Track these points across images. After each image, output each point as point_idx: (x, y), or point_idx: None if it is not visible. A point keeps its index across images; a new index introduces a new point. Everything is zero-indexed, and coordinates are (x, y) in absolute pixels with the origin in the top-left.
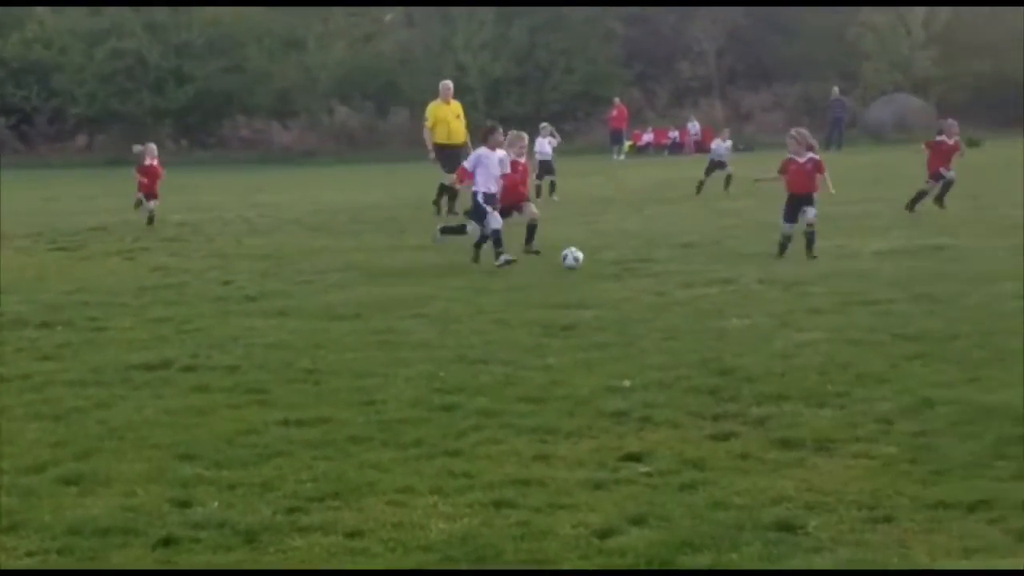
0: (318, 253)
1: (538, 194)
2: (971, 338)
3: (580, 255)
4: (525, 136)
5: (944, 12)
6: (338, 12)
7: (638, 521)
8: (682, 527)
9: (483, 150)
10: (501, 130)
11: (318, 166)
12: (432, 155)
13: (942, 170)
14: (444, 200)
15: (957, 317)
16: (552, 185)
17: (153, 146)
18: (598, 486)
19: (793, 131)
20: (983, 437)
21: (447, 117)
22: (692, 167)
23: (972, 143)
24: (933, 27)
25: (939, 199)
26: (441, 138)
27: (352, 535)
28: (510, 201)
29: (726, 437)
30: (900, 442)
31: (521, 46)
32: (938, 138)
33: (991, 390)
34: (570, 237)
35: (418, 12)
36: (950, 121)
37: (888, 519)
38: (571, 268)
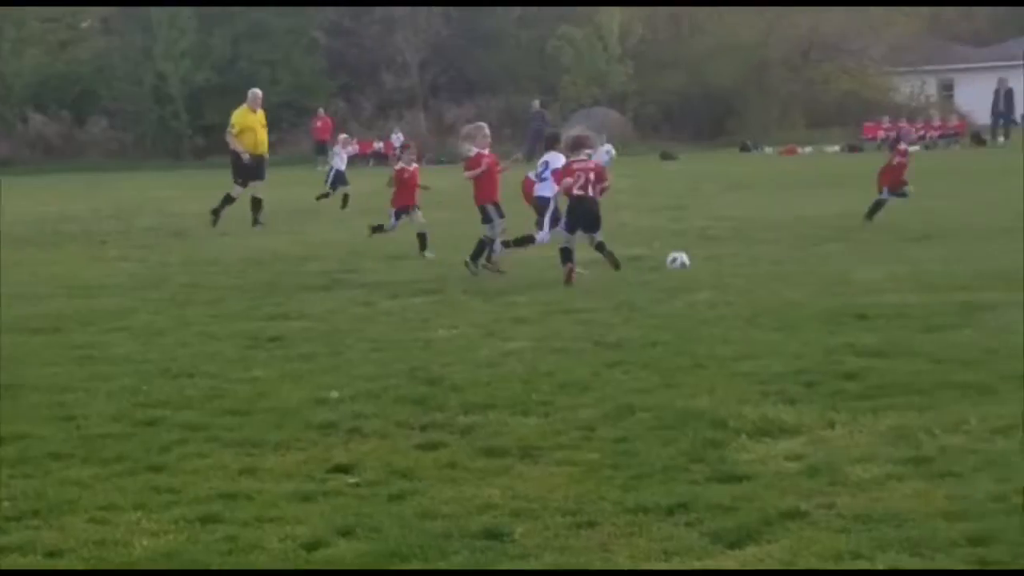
0: (16, 265)
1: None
2: (669, 345)
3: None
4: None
5: (639, 27)
6: (32, 18)
7: (346, 532)
8: (391, 537)
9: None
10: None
11: (14, 175)
12: (247, 155)
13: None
14: (225, 211)
15: (656, 325)
16: (345, 198)
17: None
18: (306, 498)
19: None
20: (680, 442)
21: (254, 125)
22: None
23: (667, 156)
24: (628, 42)
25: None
26: (248, 146)
27: (52, 555)
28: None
29: (434, 446)
30: (602, 448)
31: (223, 55)
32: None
33: (688, 396)
34: (275, 248)
35: (116, 18)
36: (904, 127)
37: (591, 524)
38: (678, 269)
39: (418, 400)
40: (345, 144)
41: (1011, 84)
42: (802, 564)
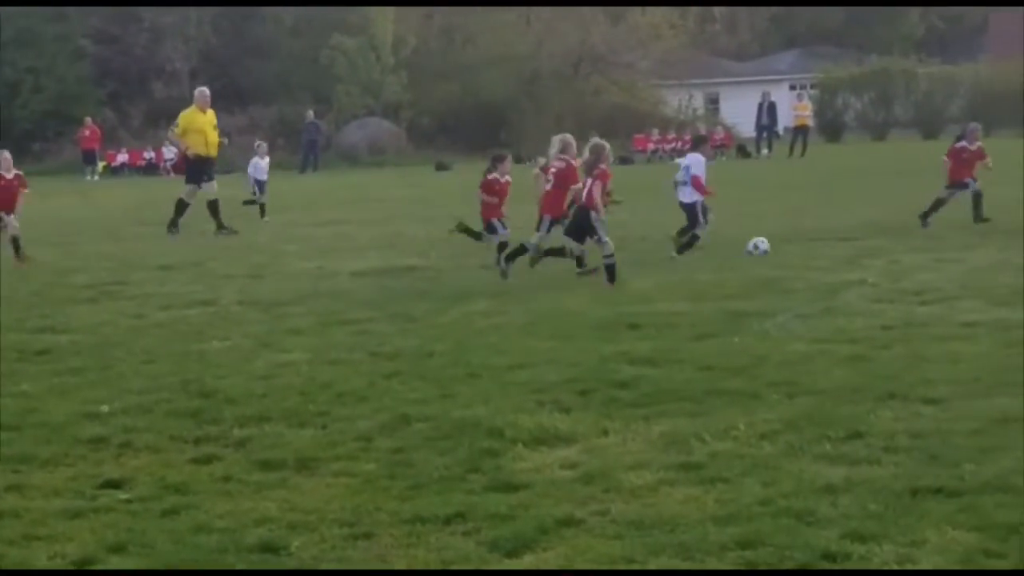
0: None
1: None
2: (445, 356)
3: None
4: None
5: (412, 37)
6: None
7: (118, 549)
8: (164, 553)
9: None
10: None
11: None
12: (190, 152)
13: (967, 179)
14: (180, 219)
15: (432, 335)
16: (262, 208)
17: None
18: (76, 515)
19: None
20: (457, 451)
21: (204, 126)
22: (169, 188)
23: (441, 167)
24: (402, 52)
25: (977, 215)
26: (199, 148)
27: None
28: None
29: (208, 460)
30: (379, 459)
31: None
32: (958, 144)
33: (464, 405)
34: (42, 259)
35: None
36: (972, 125)
37: (368, 535)
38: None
39: (192, 413)
40: (262, 152)
41: (773, 97)
42: (577, 570)
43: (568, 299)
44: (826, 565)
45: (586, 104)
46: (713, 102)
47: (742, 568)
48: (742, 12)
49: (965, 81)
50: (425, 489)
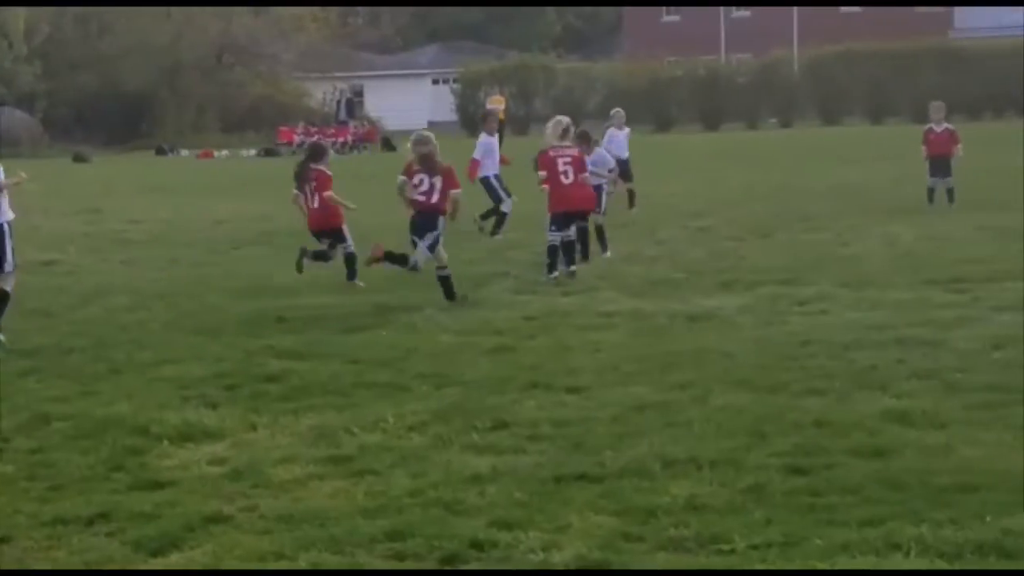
0: None
1: None
2: (86, 352)
3: None
4: None
5: (45, 26)
6: None
7: None
8: None
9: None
10: None
11: None
12: None
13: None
14: None
15: (71, 331)
16: None
17: None
18: None
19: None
20: (100, 450)
21: None
22: None
23: (79, 158)
24: (35, 41)
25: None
26: None
27: None
28: None
29: None
30: (17, 460)
31: None
32: (925, 127)
33: (106, 403)
34: None
35: None
36: (933, 104)
37: (7, 539)
38: None
39: None
40: None
41: (350, 94)
42: (226, 567)
43: (212, 295)
44: (474, 553)
45: (230, 95)
46: (358, 95)
47: (392, 561)
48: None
49: (602, 77)
50: (66, 490)
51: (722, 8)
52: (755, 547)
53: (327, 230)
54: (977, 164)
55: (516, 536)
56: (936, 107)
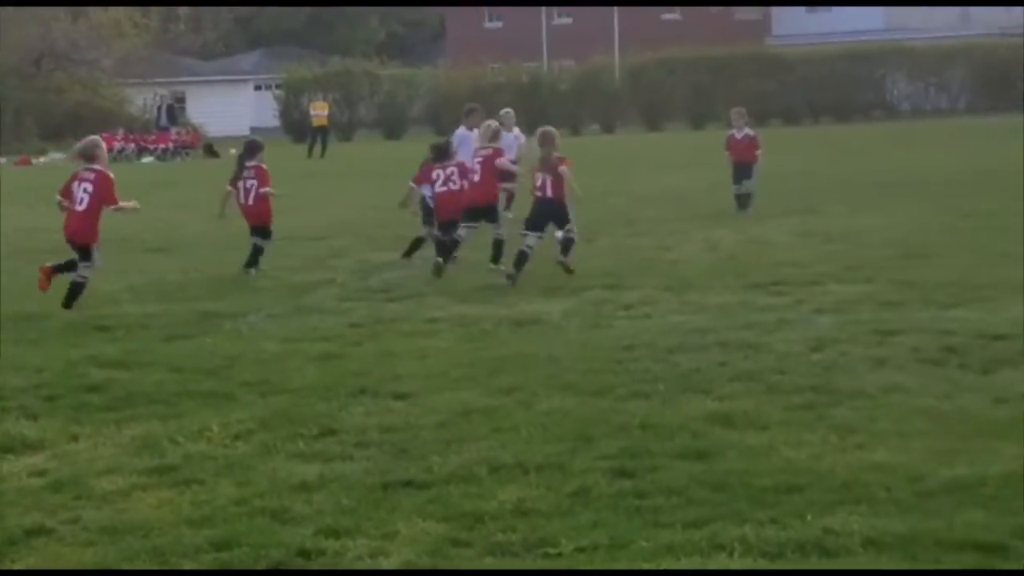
0: None
1: None
2: None
3: None
4: None
5: None
6: None
7: None
8: None
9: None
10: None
11: None
12: None
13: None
14: None
15: None
16: None
17: None
18: None
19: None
20: None
21: None
22: None
23: None
24: None
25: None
26: None
27: None
28: None
29: None
30: None
31: None
32: (728, 134)
33: None
34: None
35: None
36: (734, 111)
37: None
38: None
39: None
40: None
41: (169, 100)
42: None
43: (28, 303)
44: (301, 562)
45: (49, 102)
46: (180, 101)
47: (217, 569)
48: (207, 11)
49: (426, 83)
50: None
51: (544, 14)
52: (582, 550)
53: (259, 226)
54: (793, 168)
55: (344, 544)
56: (737, 113)
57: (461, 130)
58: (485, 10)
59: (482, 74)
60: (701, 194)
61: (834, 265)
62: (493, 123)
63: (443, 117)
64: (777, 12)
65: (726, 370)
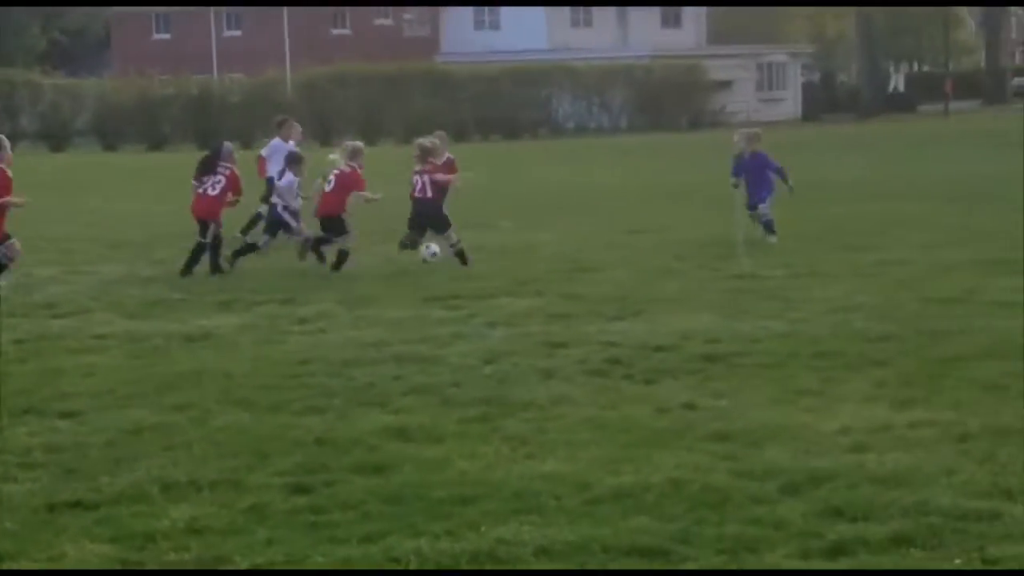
0: None
1: None
2: None
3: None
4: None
5: None
6: None
7: None
8: None
9: None
10: None
11: None
12: None
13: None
14: None
15: None
16: None
17: None
18: None
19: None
20: None
21: None
22: None
23: None
24: None
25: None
26: None
27: None
28: None
29: None
30: None
31: None
32: None
33: None
34: None
35: None
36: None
37: None
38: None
39: None
40: None
41: None
42: None
43: None
44: None
45: None
46: None
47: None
48: None
49: (91, 94)
50: None
51: (213, 26)
52: (257, 567)
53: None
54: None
55: (8, 568)
56: (440, 138)
57: (276, 141)
58: (152, 21)
59: (150, 85)
60: (378, 209)
61: (506, 279)
62: (358, 143)
63: (109, 128)
64: (445, 29)
65: (401, 384)
